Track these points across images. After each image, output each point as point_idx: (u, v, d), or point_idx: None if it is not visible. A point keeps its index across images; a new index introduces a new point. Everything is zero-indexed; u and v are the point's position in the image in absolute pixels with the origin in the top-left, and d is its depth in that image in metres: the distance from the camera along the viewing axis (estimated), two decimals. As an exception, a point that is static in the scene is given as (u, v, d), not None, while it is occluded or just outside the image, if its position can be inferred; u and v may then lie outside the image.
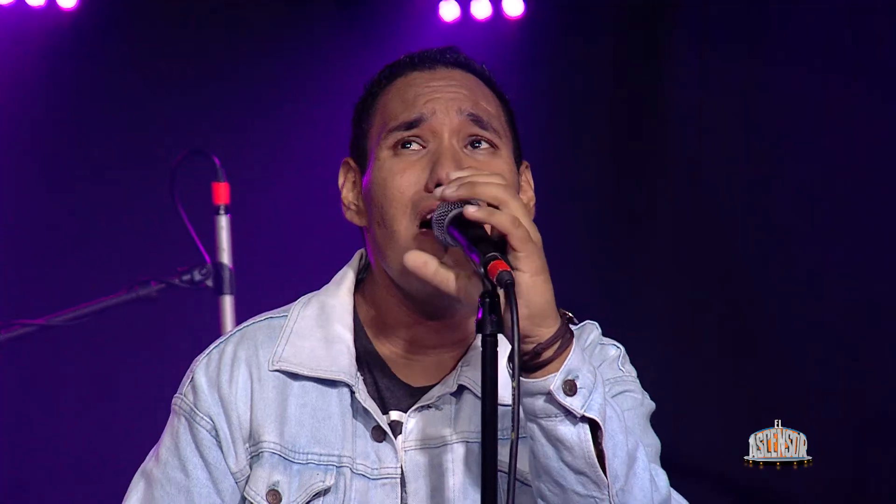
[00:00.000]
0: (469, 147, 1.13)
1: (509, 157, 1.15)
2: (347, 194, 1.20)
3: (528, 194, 1.20)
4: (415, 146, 1.12)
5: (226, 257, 2.76)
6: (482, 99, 1.15)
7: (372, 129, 1.17)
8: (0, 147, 6.88)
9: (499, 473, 0.91)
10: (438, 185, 1.07)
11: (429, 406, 1.10)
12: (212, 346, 1.18)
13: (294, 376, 1.12)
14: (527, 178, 1.21)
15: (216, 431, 1.11)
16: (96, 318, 4.27)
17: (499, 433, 0.91)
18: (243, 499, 1.11)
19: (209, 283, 2.78)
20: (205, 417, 1.12)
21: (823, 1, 4.82)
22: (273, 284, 4.79)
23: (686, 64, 8.33)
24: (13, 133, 7.05)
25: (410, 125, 1.12)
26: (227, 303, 2.79)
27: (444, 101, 1.13)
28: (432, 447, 1.09)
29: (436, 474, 1.08)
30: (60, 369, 4.00)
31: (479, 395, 0.95)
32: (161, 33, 9.20)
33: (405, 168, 1.11)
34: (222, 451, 1.11)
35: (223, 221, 2.77)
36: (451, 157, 1.10)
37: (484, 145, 1.13)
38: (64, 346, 3.97)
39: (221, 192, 2.77)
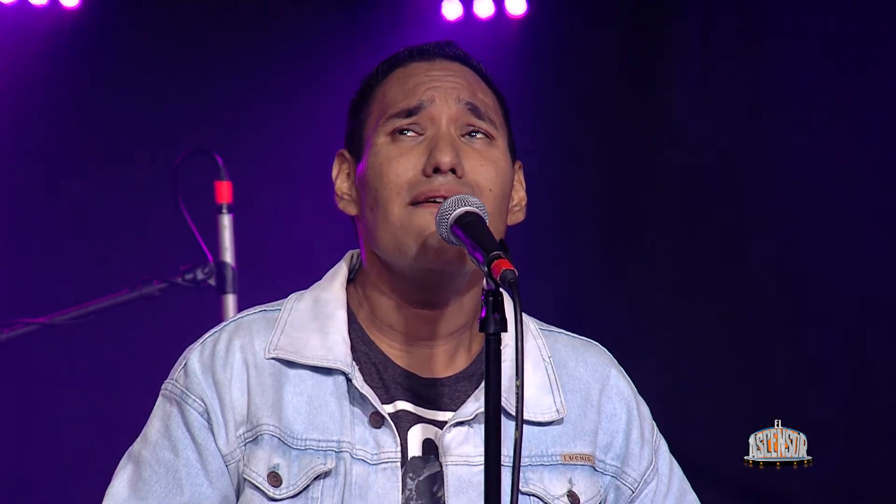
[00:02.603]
0: (466, 136, 1.13)
1: (505, 149, 1.16)
2: (341, 185, 1.20)
3: (521, 194, 1.21)
4: (412, 133, 1.12)
5: (228, 256, 2.76)
6: (479, 91, 1.16)
7: (369, 119, 1.17)
8: (2, 146, 6.89)
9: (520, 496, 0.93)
10: (436, 169, 1.08)
11: (463, 423, 1.10)
12: (205, 336, 1.18)
13: (290, 364, 1.12)
14: (519, 177, 1.21)
15: (207, 413, 1.11)
16: (99, 317, 4.27)
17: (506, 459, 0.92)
18: (242, 481, 1.10)
19: (212, 281, 2.78)
20: (196, 400, 1.12)
21: None
22: (275, 283, 4.78)
23: (689, 61, 8.34)
24: (15, 132, 7.05)
25: (409, 112, 1.12)
26: (230, 301, 2.79)
27: (444, 89, 1.14)
28: (472, 465, 1.09)
29: (476, 492, 1.08)
30: (62, 368, 4.00)
31: (512, 413, 0.95)
32: (164, 32, 9.24)
33: (402, 153, 1.11)
34: (213, 433, 1.10)
35: (226, 220, 2.77)
36: (448, 142, 1.10)
37: (480, 135, 1.13)
38: (67, 345, 3.97)
39: (224, 191, 2.77)
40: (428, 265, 1.08)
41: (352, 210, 1.19)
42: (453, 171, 1.09)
